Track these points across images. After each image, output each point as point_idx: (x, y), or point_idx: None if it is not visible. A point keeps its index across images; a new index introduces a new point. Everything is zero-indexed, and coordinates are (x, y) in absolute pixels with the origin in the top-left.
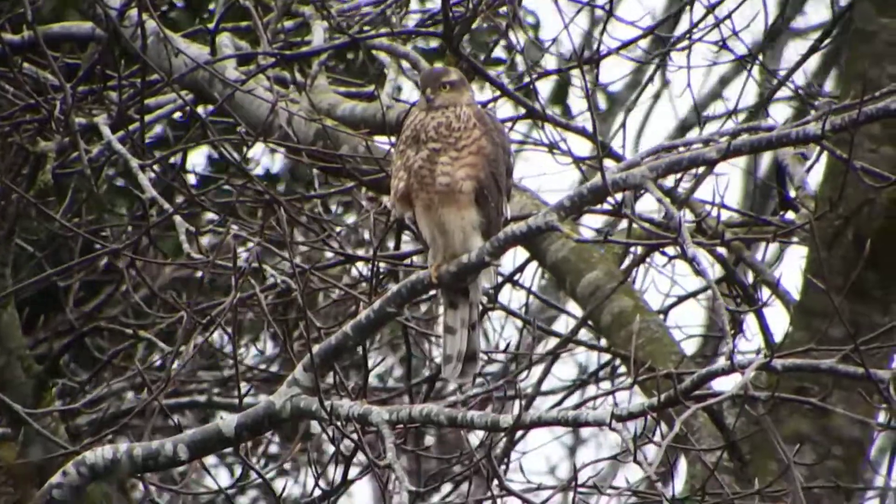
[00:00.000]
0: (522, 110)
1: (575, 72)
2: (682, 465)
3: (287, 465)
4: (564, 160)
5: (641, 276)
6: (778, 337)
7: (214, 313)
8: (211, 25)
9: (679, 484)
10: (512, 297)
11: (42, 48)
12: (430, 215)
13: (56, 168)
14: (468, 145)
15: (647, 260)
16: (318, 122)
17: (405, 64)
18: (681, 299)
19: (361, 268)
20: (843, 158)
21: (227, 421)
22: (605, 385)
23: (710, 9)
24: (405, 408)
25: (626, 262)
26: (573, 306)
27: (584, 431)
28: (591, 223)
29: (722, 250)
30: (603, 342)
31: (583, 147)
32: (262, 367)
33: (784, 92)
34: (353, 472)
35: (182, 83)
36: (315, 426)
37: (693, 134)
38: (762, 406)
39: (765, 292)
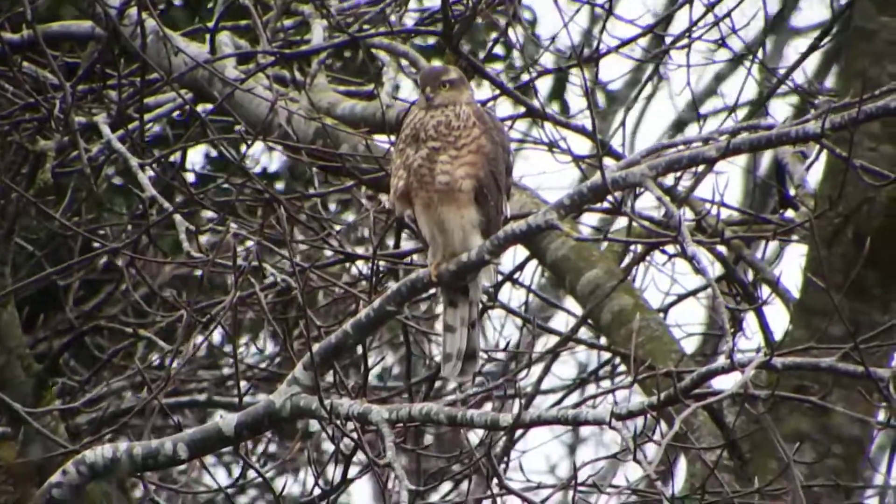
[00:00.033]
0: (521, 109)
1: (574, 70)
2: (682, 463)
3: (282, 463)
4: (564, 159)
5: (641, 274)
6: (778, 335)
7: (214, 312)
8: (210, 24)
9: (679, 483)
10: (512, 295)
11: (42, 47)
12: (430, 214)
13: (56, 167)
14: (468, 144)
15: (647, 258)
16: (317, 120)
17: (404, 62)
18: (681, 298)
19: (361, 266)
20: (842, 157)
21: (226, 420)
22: (605, 384)
23: (710, 7)
24: (405, 407)
25: (626, 260)
26: (573, 304)
27: (584, 430)
28: (587, 221)
29: (722, 248)
30: (603, 341)
31: (582, 145)
32: (262, 365)
33: (785, 87)
34: (353, 471)
35: (182, 82)
36: (314, 425)
37: (689, 130)
38: (762, 404)
39: (765, 291)
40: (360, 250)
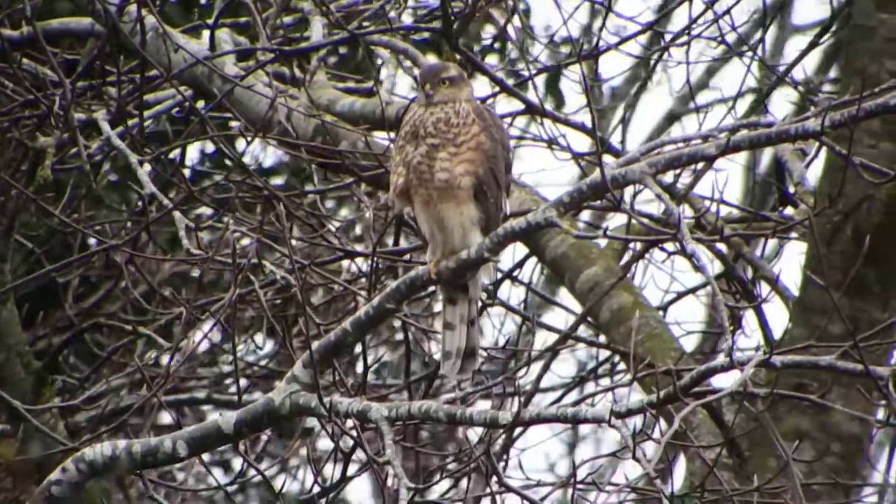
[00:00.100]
0: (520, 105)
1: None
2: (682, 461)
3: (280, 461)
4: (563, 156)
5: (640, 272)
6: (777, 333)
7: (213, 309)
8: (210, 21)
9: (678, 481)
10: (511, 293)
11: (41, 44)
12: (429, 211)
13: (55, 164)
14: (467, 141)
15: (647, 256)
16: (317, 117)
17: (404, 60)
18: (680, 295)
19: (360, 263)
20: (842, 154)
21: (226, 417)
22: (605, 382)
23: (710, 4)
24: (404, 404)
25: (626, 258)
26: (571, 302)
27: (583, 428)
28: (584, 217)
29: (721, 246)
30: (602, 338)
31: (582, 142)
32: (261, 363)
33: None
34: (352, 468)
35: (181, 79)
36: (312, 423)
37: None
38: (761, 403)
39: (764, 288)
40: (359, 248)
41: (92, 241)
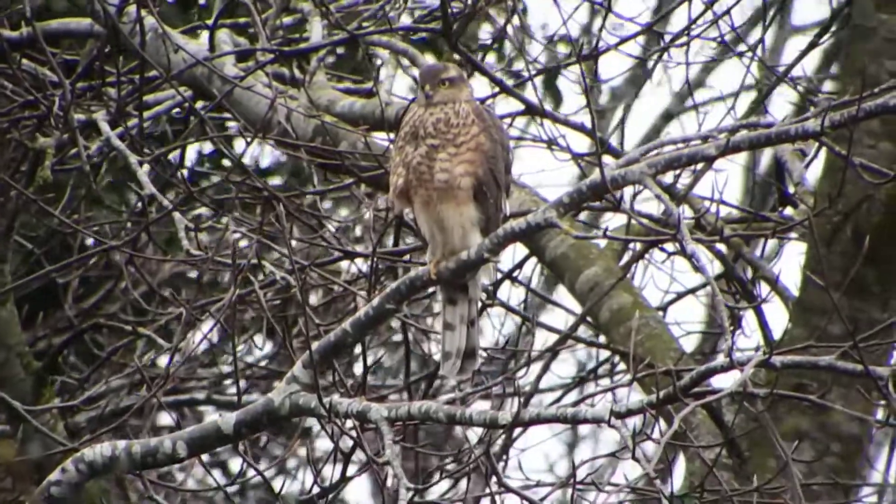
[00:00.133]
0: (520, 106)
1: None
2: (681, 462)
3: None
4: (563, 156)
5: (640, 272)
6: (777, 334)
7: (213, 310)
8: (209, 22)
9: (678, 481)
10: (511, 293)
11: (41, 44)
12: (429, 212)
13: (55, 164)
14: (467, 141)
15: (647, 256)
16: (316, 118)
17: (404, 60)
18: (680, 296)
19: (360, 264)
20: (842, 155)
21: (226, 418)
22: (604, 382)
23: (709, 5)
24: (404, 405)
25: (625, 258)
26: (570, 301)
27: (583, 428)
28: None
29: (721, 247)
30: (602, 339)
31: (581, 143)
32: (261, 364)
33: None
34: (351, 469)
35: (181, 79)
36: (311, 423)
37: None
38: (761, 403)
39: (764, 289)
40: (358, 248)
41: (89, 241)
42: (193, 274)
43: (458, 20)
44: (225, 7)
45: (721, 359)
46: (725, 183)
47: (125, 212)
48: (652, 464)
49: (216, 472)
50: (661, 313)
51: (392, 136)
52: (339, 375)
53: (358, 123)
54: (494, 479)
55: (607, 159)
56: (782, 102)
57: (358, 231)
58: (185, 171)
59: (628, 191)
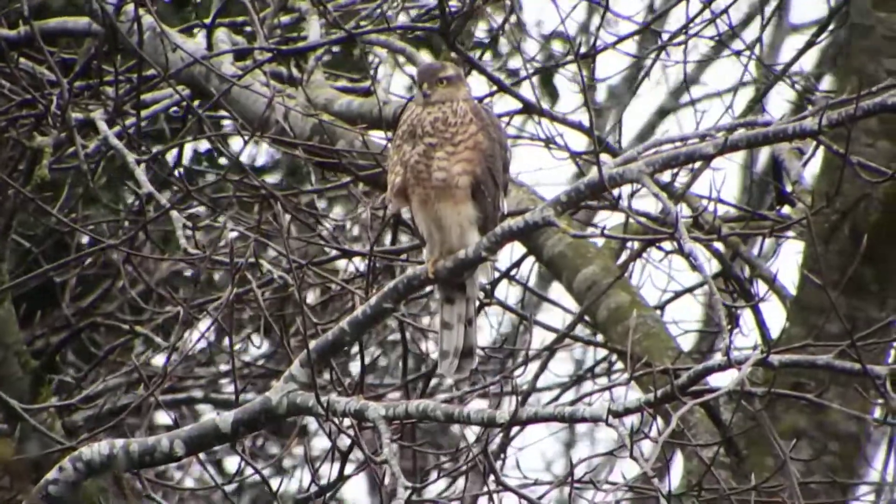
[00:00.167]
0: (517, 104)
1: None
2: (679, 460)
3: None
4: (561, 155)
5: (638, 271)
6: (775, 332)
7: (211, 309)
8: (207, 21)
9: (676, 479)
10: (508, 292)
11: (39, 43)
12: (427, 210)
13: (53, 163)
14: (464, 140)
15: (644, 255)
16: (314, 117)
17: (401, 58)
18: (677, 294)
19: (358, 263)
20: (839, 153)
21: (223, 417)
22: (602, 381)
23: (707, 3)
24: (402, 403)
25: (623, 257)
26: (569, 301)
27: (581, 427)
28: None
29: (719, 245)
30: (599, 338)
31: (579, 141)
32: (258, 363)
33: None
34: (349, 467)
35: (179, 78)
36: (307, 422)
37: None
38: (759, 401)
39: (761, 287)
40: (355, 247)
41: (86, 239)
42: (188, 272)
43: (456, 19)
44: (223, 6)
45: (719, 357)
46: (723, 181)
47: (122, 210)
48: (650, 462)
49: (211, 471)
50: (658, 312)
51: (390, 134)
52: (336, 374)
53: (356, 122)
54: (492, 477)
55: (605, 158)
56: (779, 100)
57: (355, 230)
58: (181, 170)
59: (626, 189)
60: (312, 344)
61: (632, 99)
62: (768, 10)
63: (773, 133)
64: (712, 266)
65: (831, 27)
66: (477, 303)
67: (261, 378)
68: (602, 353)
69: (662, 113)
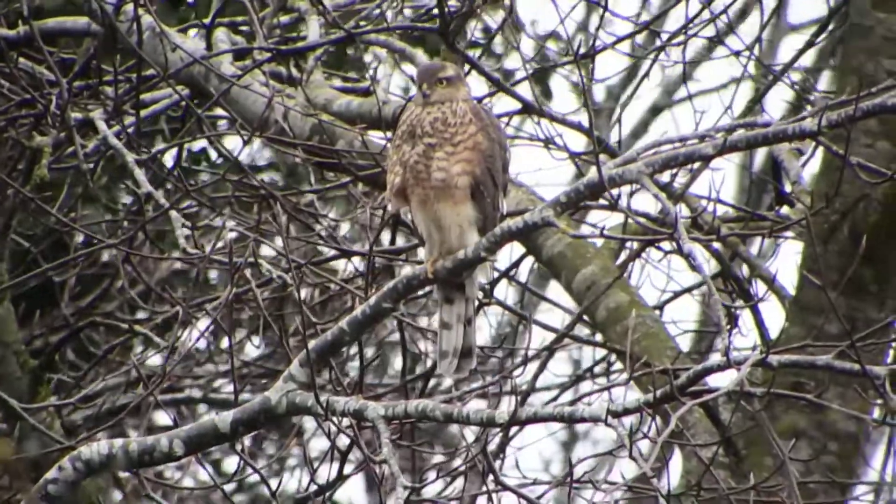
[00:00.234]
0: (517, 104)
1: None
2: (678, 460)
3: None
4: (560, 155)
5: (637, 271)
6: (774, 333)
7: (210, 308)
8: (207, 21)
9: (675, 479)
10: (507, 291)
11: (38, 43)
12: (426, 210)
13: (52, 163)
14: (464, 140)
15: (643, 255)
16: (314, 116)
17: (400, 58)
18: (676, 294)
19: (357, 262)
20: (839, 154)
21: (222, 416)
22: (601, 381)
23: (706, 3)
24: (401, 403)
25: (622, 257)
26: (568, 301)
27: (579, 427)
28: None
29: (718, 245)
30: (598, 337)
31: (578, 141)
32: (256, 363)
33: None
34: (348, 467)
35: (178, 78)
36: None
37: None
38: (758, 402)
39: (760, 288)
40: (354, 247)
41: (80, 238)
42: (180, 266)
43: (455, 19)
44: (222, 6)
45: (718, 358)
46: (722, 182)
47: (120, 210)
48: (649, 462)
49: (210, 471)
50: (657, 312)
51: (389, 134)
52: (335, 374)
53: (355, 122)
54: (491, 477)
55: (604, 158)
56: (777, 99)
57: (347, 229)
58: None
59: (625, 189)
60: (311, 344)
61: (630, 99)
62: (767, 9)
63: (772, 134)
64: (711, 266)
65: (831, 27)
66: (476, 303)
67: (260, 378)
68: (601, 352)
69: (656, 110)
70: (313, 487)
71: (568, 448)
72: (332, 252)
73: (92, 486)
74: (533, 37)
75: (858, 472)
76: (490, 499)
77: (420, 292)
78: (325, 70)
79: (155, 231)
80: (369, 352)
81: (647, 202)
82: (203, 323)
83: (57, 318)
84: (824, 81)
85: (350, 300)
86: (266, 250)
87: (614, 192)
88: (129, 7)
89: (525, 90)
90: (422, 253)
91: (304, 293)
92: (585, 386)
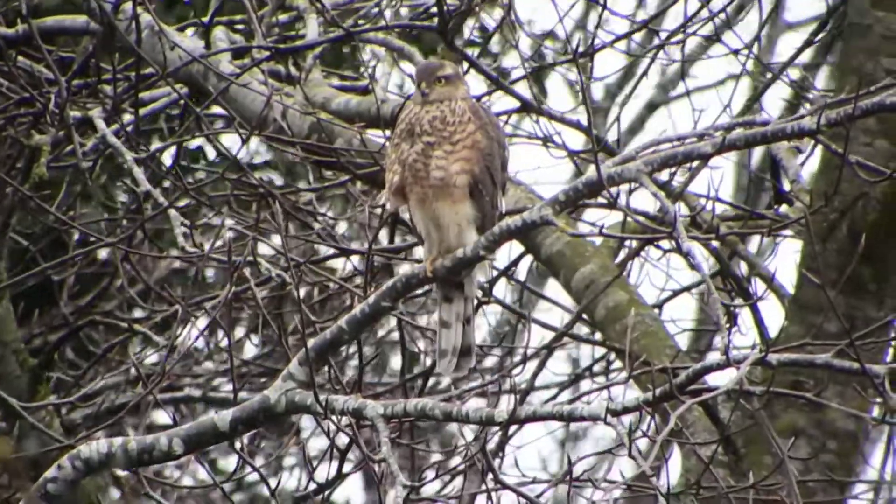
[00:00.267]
0: (515, 103)
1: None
2: (677, 458)
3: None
4: (559, 154)
5: (636, 269)
6: (773, 331)
7: (209, 307)
8: (205, 19)
9: (674, 478)
10: (505, 290)
11: (37, 42)
12: (425, 209)
13: (51, 161)
14: (463, 139)
15: (642, 254)
16: (312, 115)
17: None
18: (675, 293)
19: (356, 261)
20: (837, 153)
21: (222, 415)
22: (600, 379)
23: (704, 2)
24: (400, 402)
25: (621, 255)
26: (567, 299)
27: (579, 425)
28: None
29: (717, 244)
30: (597, 336)
31: (577, 140)
32: (255, 362)
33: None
34: (347, 466)
35: (177, 77)
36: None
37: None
38: (757, 400)
39: (759, 286)
40: (353, 246)
41: (76, 236)
42: (179, 265)
43: (454, 17)
44: (221, 4)
45: (717, 356)
46: (721, 180)
47: (119, 208)
48: (648, 461)
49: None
50: (656, 310)
51: (388, 133)
52: (334, 372)
53: (354, 121)
54: (491, 475)
55: (603, 157)
56: (774, 97)
57: (344, 228)
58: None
59: (624, 188)
60: (311, 342)
61: (629, 98)
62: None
63: (771, 132)
64: (710, 265)
65: (829, 26)
66: (475, 301)
67: (259, 377)
68: (600, 351)
69: (652, 107)
70: (312, 486)
71: (565, 446)
72: (331, 251)
73: (91, 485)
74: (531, 36)
75: (857, 471)
76: (489, 497)
77: (419, 291)
78: (323, 68)
79: (154, 229)
80: (368, 350)
81: (645, 201)
82: (202, 322)
83: (56, 316)
84: (821, 78)
85: (349, 299)
86: (265, 249)
87: (613, 190)
88: (128, 6)
89: (523, 89)
90: (420, 252)
91: (302, 292)
92: (585, 384)
